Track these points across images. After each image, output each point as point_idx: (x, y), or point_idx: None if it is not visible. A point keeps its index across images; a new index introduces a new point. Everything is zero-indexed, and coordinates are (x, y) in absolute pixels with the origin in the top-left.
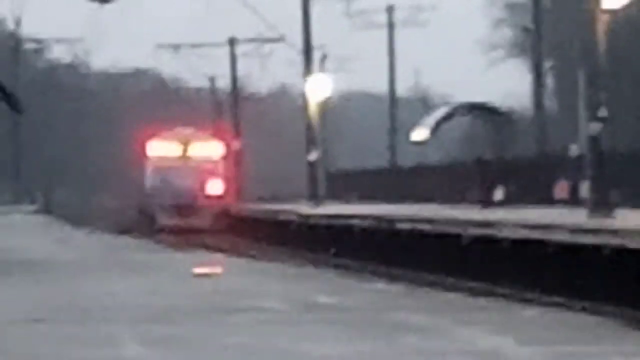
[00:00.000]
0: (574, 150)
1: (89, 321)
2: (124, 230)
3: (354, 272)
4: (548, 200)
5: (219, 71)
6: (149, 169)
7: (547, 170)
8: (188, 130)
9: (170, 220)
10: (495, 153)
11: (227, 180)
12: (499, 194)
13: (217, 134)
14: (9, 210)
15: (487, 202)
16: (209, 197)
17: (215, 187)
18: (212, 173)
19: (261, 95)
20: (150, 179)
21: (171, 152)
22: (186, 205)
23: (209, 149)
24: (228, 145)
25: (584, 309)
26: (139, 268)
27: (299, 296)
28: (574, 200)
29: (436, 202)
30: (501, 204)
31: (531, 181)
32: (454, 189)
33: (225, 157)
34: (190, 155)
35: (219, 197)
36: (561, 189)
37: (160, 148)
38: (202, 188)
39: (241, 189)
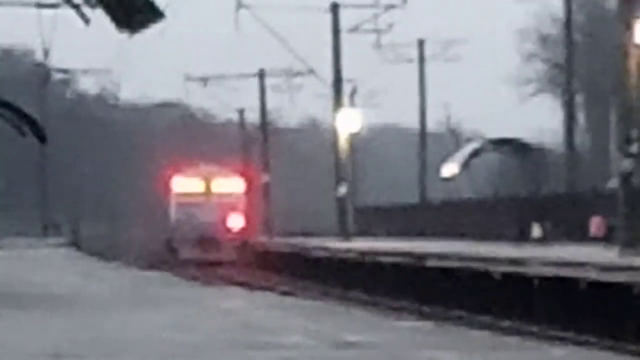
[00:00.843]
0: (613, 183)
1: (112, 356)
2: (150, 265)
3: (383, 308)
4: (584, 237)
5: (248, 104)
6: (173, 204)
7: (583, 206)
8: (211, 167)
9: (193, 254)
10: (526, 189)
11: (248, 215)
12: (536, 231)
13: (240, 171)
14: (35, 243)
15: (522, 239)
16: (230, 231)
17: (236, 221)
18: (234, 208)
19: (290, 129)
20: (174, 214)
21: (194, 187)
22: (208, 239)
23: (231, 185)
24: (250, 181)
25: (611, 348)
26: (165, 303)
27: (326, 333)
28: (610, 237)
29: (467, 238)
30: (539, 241)
31: (567, 218)
32: (486, 225)
33: (246, 193)
34: (212, 191)
35: (240, 231)
36: (597, 226)
37: (184, 184)
38: (224, 222)
39: (269, 223)
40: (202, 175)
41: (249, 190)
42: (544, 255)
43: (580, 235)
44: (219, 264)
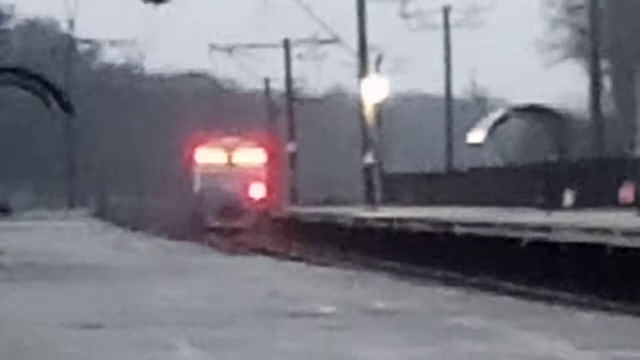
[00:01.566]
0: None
1: (142, 325)
2: (177, 234)
3: (410, 276)
4: (614, 203)
5: (273, 73)
6: (197, 175)
7: (612, 172)
8: (233, 139)
9: (216, 222)
10: (552, 155)
11: (269, 185)
12: (569, 198)
13: (261, 142)
14: (63, 214)
15: (552, 206)
16: (251, 200)
17: (257, 191)
18: (255, 178)
19: (316, 97)
20: (198, 184)
21: (217, 159)
22: (231, 208)
23: (252, 156)
24: (270, 153)
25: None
26: (193, 272)
27: (355, 300)
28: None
29: (494, 205)
30: (571, 208)
31: (596, 184)
32: (513, 192)
33: (267, 164)
34: (234, 162)
35: (261, 201)
36: (627, 192)
37: (208, 155)
38: (246, 192)
39: (296, 192)
40: (224, 147)
41: (269, 161)
42: (577, 221)
43: (609, 201)
44: (240, 231)
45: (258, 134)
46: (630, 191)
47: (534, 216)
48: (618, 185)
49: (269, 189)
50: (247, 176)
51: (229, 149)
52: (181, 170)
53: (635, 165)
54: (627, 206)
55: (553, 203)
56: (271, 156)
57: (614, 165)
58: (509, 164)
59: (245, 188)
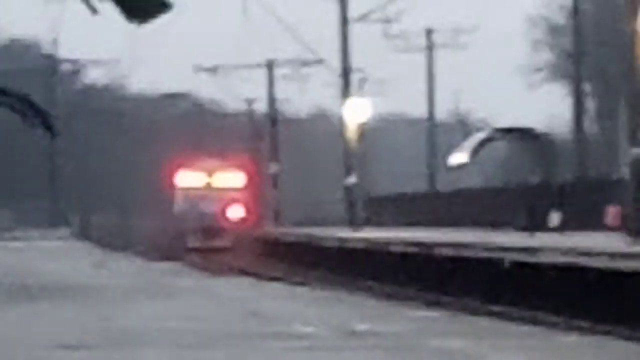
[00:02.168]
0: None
1: (124, 346)
2: (161, 255)
3: (392, 298)
4: (599, 226)
5: (257, 94)
6: (178, 196)
7: (597, 194)
8: (213, 162)
9: (197, 242)
10: (536, 177)
11: (248, 206)
12: (554, 219)
13: (240, 165)
14: (45, 234)
15: (538, 228)
16: (230, 221)
17: (236, 212)
18: (234, 200)
19: (299, 118)
20: (179, 205)
21: (198, 181)
22: (211, 228)
23: (232, 178)
24: (250, 175)
25: (622, 336)
26: (176, 293)
27: (337, 321)
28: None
29: (477, 227)
30: (556, 230)
31: (581, 206)
32: (496, 213)
33: (246, 186)
34: (214, 184)
35: (240, 221)
36: (612, 215)
37: (189, 177)
38: (225, 213)
39: (279, 212)
40: (205, 170)
41: (248, 183)
42: (563, 244)
43: (595, 223)
44: (220, 250)
45: (238, 157)
46: (617, 214)
47: (516, 238)
48: (604, 207)
49: (248, 210)
50: (226, 197)
51: (210, 172)
52: (164, 191)
53: (620, 187)
54: (613, 228)
55: (538, 225)
56: (250, 178)
57: (600, 186)
58: (492, 185)
59: (225, 209)
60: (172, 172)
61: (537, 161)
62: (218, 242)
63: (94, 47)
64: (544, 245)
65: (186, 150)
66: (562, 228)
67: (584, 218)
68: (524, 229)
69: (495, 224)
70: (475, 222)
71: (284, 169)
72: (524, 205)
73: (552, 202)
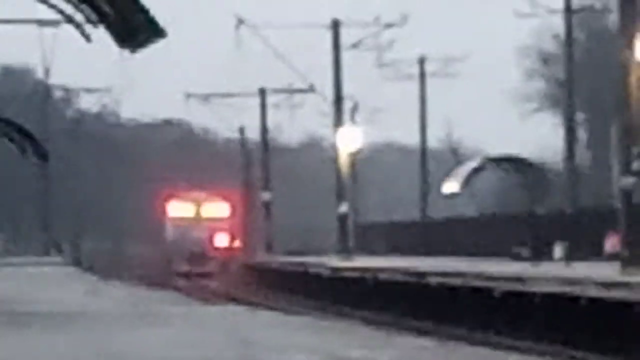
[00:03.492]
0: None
1: None
2: (152, 282)
3: (384, 325)
4: (599, 255)
5: (249, 122)
6: (168, 225)
7: (601, 224)
8: (201, 194)
9: (185, 267)
10: (528, 207)
11: (232, 234)
12: (559, 250)
13: (226, 196)
14: (36, 261)
15: (540, 258)
16: (216, 248)
17: (221, 240)
18: (220, 229)
19: (291, 146)
20: (169, 233)
21: (186, 211)
22: (198, 255)
23: (218, 209)
24: (234, 206)
25: None
26: (167, 320)
27: (329, 350)
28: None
29: (470, 256)
30: (561, 260)
31: (586, 236)
32: (489, 242)
33: (231, 216)
34: (202, 215)
35: (225, 249)
36: (612, 243)
37: (178, 208)
38: (211, 241)
39: (270, 241)
40: (193, 201)
41: (233, 213)
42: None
43: (595, 253)
44: (206, 275)
45: (224, 189)
46: (616, 242)
47: (515, 267)
48: (603, 236)
49: (233, 238)
50: (212, 227)
51: (197, 203)
52: (155, 219)
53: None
54: (613, 256)
55: (540, 255)
56: (235, 209)
57: (601, 216)
58: (486, 214)
59: (211, 237)
60: (163, 202)
61: (529, 190)
62: (205, 268)
63: (87, 74)
64: (534, 274)
65: (177, 180)
66: (566, 258)
67: (589, 248)
68: (528, 259)
69: (489, 253)
70: (468, 251)
71: (276, 197)
72: (526, 235)
73: (554, 233)
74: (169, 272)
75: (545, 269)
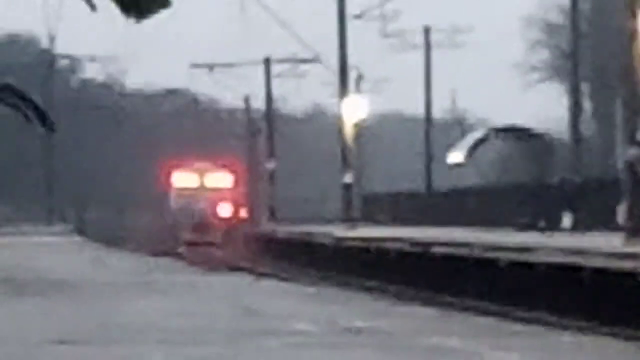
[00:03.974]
0: None
1: (119, 342)
2: (155, 251)
3: (388, 295)
4: (610, 226)
5: (253, 91)
6: (173, 195)
7: (610, 194)
8: (204, 164)
9: (189, 236)
10: (532, 177)
11: (235, 204)
12: (567, 220)
13: (229, 166)
14: (41, 230)
15: (549, 229)
16: (219, 217)
17: (224, 210)
18: (222, 199)
19: (296, 116)
20: (174, 203)
21: (191, 182)
22: (202, 224)
23: (221, 179)
24: (238, 176)
25: (616, 335)
26: (171, 289)
27: (333, 319)
28: None
29: (474, 226)
30: (569, 230)
31: (596, 206)
32: (493, 212)
33: (234, 186)
34: (205, 185)
35: (228, 218)
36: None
37: (182, 178)
38: (214, 210)
39: (274, 210)
40: (196, 171)
41: (236, 183)
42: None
43: (606, 223)
44: (210, 244)
45: (227, 159)
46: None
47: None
48: (614, 206)
49: (236, 207)
50: (215, 197)
51: (201, 173)
52: (159, 190)
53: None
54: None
55: (549, 226)
56: (238, 179)
57: (611, 186)
58: (492, 184)
59: (214, 207)
60: (167, 173)
61: (533, 160)
62: (208, 237)
63: (92, 43)
64: (541, 244)
65: (181, 149)
66: (574, 229)
67: (598, 218)
68: (542, 229)
69: (495, 223)
70: (474, 221)
71: (281, 167)
72: (533, 205)
73: (556, 203)
74: (174, 240)
75: (560, 239)
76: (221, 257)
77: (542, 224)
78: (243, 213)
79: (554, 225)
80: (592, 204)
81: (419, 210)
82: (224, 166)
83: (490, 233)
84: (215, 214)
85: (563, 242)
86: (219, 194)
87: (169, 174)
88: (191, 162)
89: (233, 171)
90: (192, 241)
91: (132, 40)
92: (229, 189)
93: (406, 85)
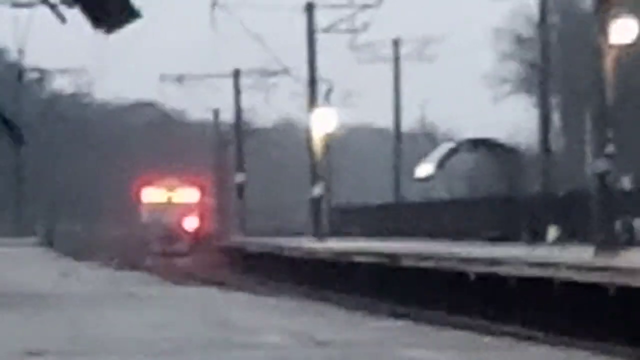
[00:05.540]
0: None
1: (89, 353)
2: (126, 264)
3: (358, 308)
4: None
5: (223, 103)
6: (143, 209)
7: (578, 207)
8: (172, 180)
9: (158, 247)
10: (502, 189)
11: (201, 217)
12: (552, 233)
13: (195, 183)
14: (9, 242)
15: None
16: (186, 230)
17: (191, 222)
18: (189, 212)
19: (265, 128)
20: (144, 216)
21: (160, 197)
22: (170, 236)
23: (187, 195)
24: (203, 191)
25: (587, 348)
26: (142, 301)
27: (303, 332)
28: (627, 238)
29: (444, 238)
30: (555, 244)
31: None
32: (462, 225)
33: (200, 201)
34: (173, 200)
35: (194, 230)
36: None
37: (152, 194)
38: (181, 223)
39: (243, 222)
40: (165, 187)
41: (202, 198)
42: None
43: (584, 237)
44: (177, 254)
45: (193, 176)
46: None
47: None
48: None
49: (202, 220)
50: (183, 211)
51: (169, 189)
52: (129, 202)
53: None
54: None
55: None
56: (203, 194)
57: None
58: (462, 196)
59: (181, 220)
60: (138, 188)
61: (502, 173)
62: (176, 247)
63: (61, 56)
64: (509, 257)
65: (151, 164)
66: (559, 242)
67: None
68: (527, 242)
69: (463, 236)
70: (442, 234)
71: (250, 179)
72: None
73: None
74: (145, 252)
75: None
76: (189, 269)
77: (524, 236)
78: (209, 226)
79: (537, 238)
80: (577, 217)
81: (389, 223)
82: (191, 182)
83: (461, 245)
84: (182, 227)
85: (539, 255)
86: (185, 208)
87: (139, 190)
88: (160, 178)
89: (199, 187)
90: (160, 251)
91: (101, 52)
92: (195, 204)
93: (376, 98)
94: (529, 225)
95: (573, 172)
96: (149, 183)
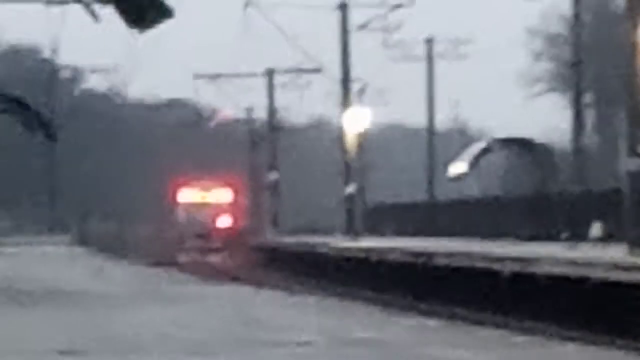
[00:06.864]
0: None
1: (120, 352)
2: (158, 262)
3: (390, 307)
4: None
5: (256, 102)
6: (179, 209)
7: (611, 205)
8: (207, 182)
9: (194, 244)
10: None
11: (234, 216)
12: (596, 230)
13: (229, 183)
14: (43, 240)
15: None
16: (219, 228)
17: (224, 221)
18: (223, 211)
19: (298, 127)
20: (180, 216)
21: (195, 197)
22: (204, 234)
23: (221, 195)
24: (236, 191)
25: (620, 347)
26: (173, 299)
27: (335, 330)
28: None
29: (478, 237)
30: (600, 240)
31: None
32: (496, 224)
33: (233, 200)
34: (207, 200)
35: (227, 229)
36: None
37: (188, 194)
38: (215, 222)
39: (277, 220)
40: (200, 188)
41: (235, 198)
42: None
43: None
44: (211, 250)
45: (227, 176)
46: None
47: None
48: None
49: (235, 219)
50: (217, 210)
51: (204, 190)
52: (164, 200)
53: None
54: None
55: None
56: (237, 194)
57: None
58: (495, 195)
59: (215, 219)
60: (174, 190)
61: (535, 172)
62: (210, 244)
63: (94, 54)
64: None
65: (183, 163)
66: (605, 239)
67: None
68: (567, 239)
69: (496, 235)
70: (475, 232)
71: (284, 177)
72: (535, 216)
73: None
74: (179, 250)
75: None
76: (222, 267)
77: (565, 235)
78: (242, 224)
79: (580, 235)
80: (613, 215)
81: (422, 221)
82: (225, 183)
83: (494, 244)
84: (216, 225)
85: (578, 254)
86: (219, 208)
87: (175, 191)
88: (195, 179)
89: (233, 187)
90: (195, 249)
91: (135, 51)
92: (228, 204)
93: (409, 97)
94: (568, 224)
95: (606, 171)
96: (184, 184)
